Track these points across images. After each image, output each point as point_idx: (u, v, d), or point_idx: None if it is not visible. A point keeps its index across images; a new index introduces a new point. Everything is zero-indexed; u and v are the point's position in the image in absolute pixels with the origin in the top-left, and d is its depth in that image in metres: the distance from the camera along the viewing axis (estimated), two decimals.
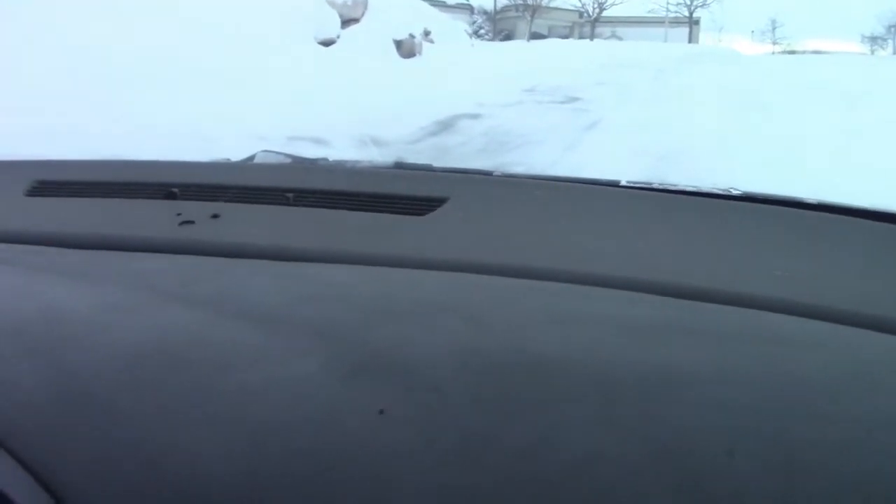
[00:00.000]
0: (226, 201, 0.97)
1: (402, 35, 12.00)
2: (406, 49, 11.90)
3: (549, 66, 14.41)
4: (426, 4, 15.26)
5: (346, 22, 11.54)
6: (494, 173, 1.20)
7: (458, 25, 15.96)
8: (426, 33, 12.96)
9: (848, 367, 0.58)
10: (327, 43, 10.90)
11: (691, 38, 42.64)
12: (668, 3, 42.59)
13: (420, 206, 0.93)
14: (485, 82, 10.83)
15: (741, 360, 0.57)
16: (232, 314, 0.63)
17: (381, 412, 0.48)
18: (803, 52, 48.29)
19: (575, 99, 10.21)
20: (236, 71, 7.45)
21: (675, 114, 8.48)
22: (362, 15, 11.86)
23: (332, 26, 11.16)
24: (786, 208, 0.97)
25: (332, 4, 11.37)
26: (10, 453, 0.44)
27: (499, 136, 6.95)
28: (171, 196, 1.00)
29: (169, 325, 0.62)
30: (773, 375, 0.54)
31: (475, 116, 8.22)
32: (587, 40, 32.47)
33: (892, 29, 55.85)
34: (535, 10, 36.90)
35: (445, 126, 7.49)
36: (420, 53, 12.24)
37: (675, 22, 42.63)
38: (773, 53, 51.46)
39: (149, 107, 5.88)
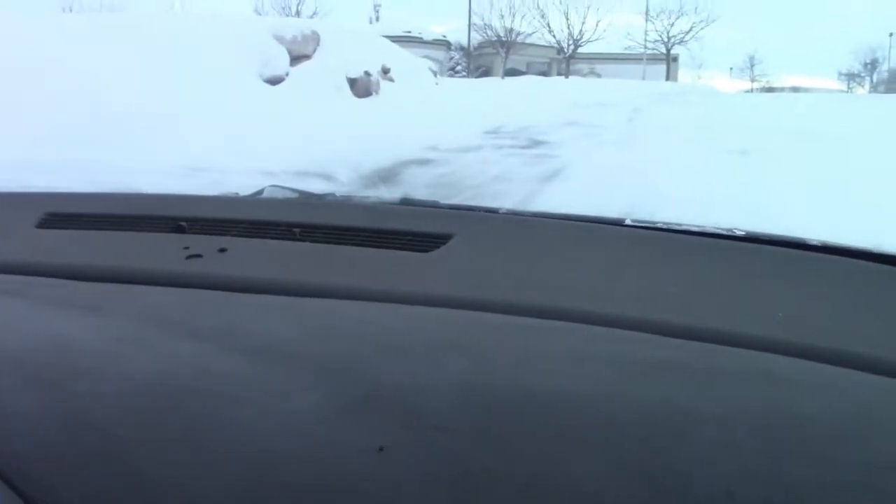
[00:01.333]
0: (233, 235, 0.98)
1: (358, 73, 11.16)
2: (361, 88, 11.05)
3: (518, 105, 13.70)
4: (386, 40, 14.47)
5: (297, 59, 10.70)
6: (500, 210, 1.21)
7: (422, 63, 15.15)
8: (385, 71, 12.13)
9: (850, 410, 0.58)
10: (274, 81, 10.06)
11: (669, 76, 42.47)
12: (645, 40, 42.48)
13: (425, 242, 0.94)
14: (444, 123, 9.99)
15: (743, 402, 0.57)
16: (237, 348, 0.64)
17: (381, 449, 0.49)
18: (781, 89, 48.33)
19: (539, 143, 9.39)
20: (145, 114, 6.57)
21: (648, 159, 7.67)
22: (314, 51, 11.02)
23: (280, 63, 10.33)
24: (789, 249, 0.97)
25: (281, 40, 10.55)
26: (10, 485, 0.44)
27: (444, 189, 6.05)
28: (179, 230, 1.02)
29: (174, 358, 0.63)
30: (774, 417, 0.55)
31: (424, 163, 7.34)
32: (563, 77, 32.02)
33: (869, 66, 56.47)
34: (509, 46, 36.48)
35: (387, 176, 6.59)
36: (377, 93, 11.40)
37: (654, 59, 42.43)
38: (752, 90, 51.61)
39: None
